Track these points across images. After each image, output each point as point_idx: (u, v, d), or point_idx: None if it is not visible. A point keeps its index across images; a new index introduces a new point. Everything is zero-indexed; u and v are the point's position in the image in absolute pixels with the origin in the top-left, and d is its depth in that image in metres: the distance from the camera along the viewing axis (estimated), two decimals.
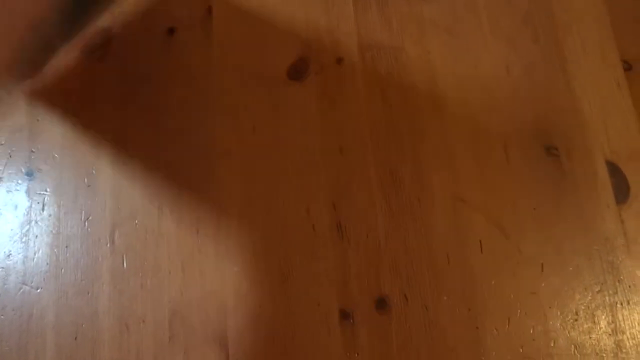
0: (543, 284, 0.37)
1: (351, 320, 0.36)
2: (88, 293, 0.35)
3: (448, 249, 0.38)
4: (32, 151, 0.39)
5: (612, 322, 0.36)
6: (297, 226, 0.38)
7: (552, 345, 0.36)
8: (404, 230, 0.38)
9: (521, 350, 0.36)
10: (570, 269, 0.37)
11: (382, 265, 0.37)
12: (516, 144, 0.40)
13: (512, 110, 0.41)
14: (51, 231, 0.37)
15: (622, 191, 0.39)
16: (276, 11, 0.43)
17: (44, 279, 0.36)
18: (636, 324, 0.36)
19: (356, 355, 0.35)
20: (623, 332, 0.36)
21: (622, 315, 0.36)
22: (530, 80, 0.42)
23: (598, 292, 0.37)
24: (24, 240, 0.37)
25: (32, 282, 0.36)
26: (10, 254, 0.36)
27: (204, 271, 0.36)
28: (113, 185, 0.38)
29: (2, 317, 0.35)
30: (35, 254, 0.36)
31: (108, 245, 0.37)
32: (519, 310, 0.36)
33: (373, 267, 0.37)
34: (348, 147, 0.40)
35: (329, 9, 0.43)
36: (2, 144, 0.38)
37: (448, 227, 0.38)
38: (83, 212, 0.37)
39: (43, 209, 0.37)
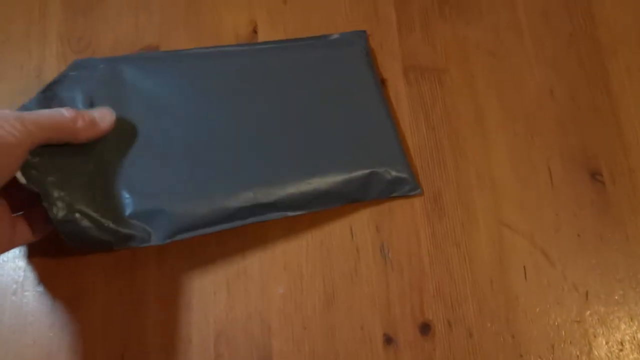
0: (588, 312, 0.37)
1: (395, 345, 0.36)
2: (135, 310, 0.36)
3: (492, 274, 0.38)
4: None
5: None
6: (340, 248, 0.38)
7: None
8: (448, 254, 0.38)
9: None
10: (616, 297, 0.37)
11: (425, 290, 0.37)
12: (560, 168, 0.40)
13: (556, 135, 0.41)
14: None
15: None
16: (320, 33, 0.43)
17: (91, 295, 0.36)
18: None
19: None
20: None
21: None
22: (574, 104, 0.42)
23: None
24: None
25: (78, 299, 0.36)
26: (59, 271, 0.37)
27: (249, 292, 0.37)
28: None
29: (50, 334, 0.35)
30: (83, 269, 0.37)
31: (154, 263, 0.37)
32: (563, 339, 0.36)
33: (416, 291, 0.37)
34: None
35: (372, 31, 0.43)
36: None
37: (492, 252, 0.38)
38: None
39: None
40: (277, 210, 0.36)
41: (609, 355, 0.36)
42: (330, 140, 0.38)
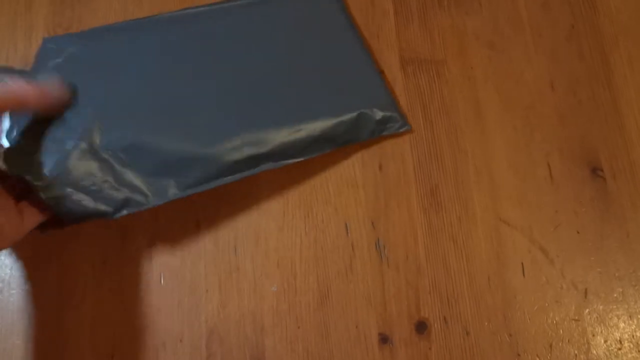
0: (587, 311, 0.36)
1: (390, 343, 0.35)
2: (125, 310, 0.35)
3: (489, 271, 0.37)
4: None
5: None
6: (335, 245, 0.37)
7: None
8: (445, 251, 0.37)
9: None
10: (615, 295, 0.37)
11: (421, 287, 0.37)
12: (560, 163, 0.39)
13: (556, 129, 0.40)
14: (90, 246, 0.36)
15: None
16: None
17: (82, 295, 0.35)
18: None
19: None
20: None
21: None
22: (575, 98, 0.41)
23: None
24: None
25: (67, 298, 0.35)
26: (47, 270, 0.36)
27: (241, 290, 0.36)
28: None
29: (39, 333, 0.35)
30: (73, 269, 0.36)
31: (146, 262, 0.36)
32: (561, 338, 0.36)
33: (412, 289, 0.36)
34: (387, 164, 0.39)
35: (369, 22, 0.42)
36: None
37: (489, 248, 0.37)
38: (120, 227, 0.37)
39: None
40: (273, 160, 0.35)
41: (608, 354, 0.35)
42: (315, 87, 0.38)
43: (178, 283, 0.36)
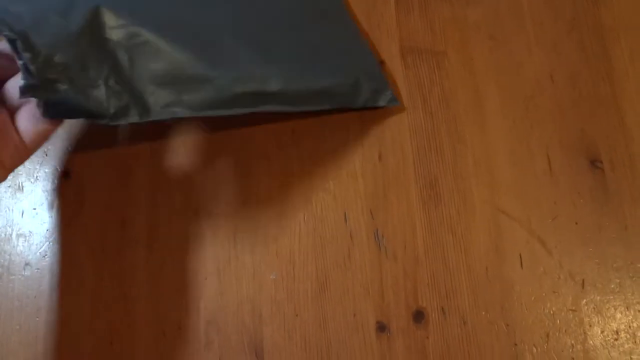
0: (584, 301, 0.36)
1: (387, 332, 0.35)
2: (125, 297, 0.35)
3: (487, 262, 0.37)
4: (68, 150, 0.38)
5: None
6: (334, 234, 0.37)
7: None
8: (443, 241, 0.37)
9: None
10: (612, 286, 0.37)
11: (420, 277, 0.37)
12: (559, 155, 0.39)
13: (555, 121, 0.40)
14: (88, 233, 0.36)
15: None
16: None
17: (80, 282, 0.36)
18: None
19: None
20: None
21: None
22: (575, 90, 0.41)
23: None
24: (60, 241, 0.36)
25: (66, 285, 0.35)
26: (46, 255, 0.36)
27: (240, 278, 0.36)
28: (150, 188, 0.37)
29: (37, 319, 0.35)
30: (71, 255, 0.36)
31: (145, 249, 0.36)
32: (558, 328, 0.36)
33: (410, 278, 0.37)
34: (387, 155, 0.39)
35: (369, 11, 0.42)
36: None
37: (488, 239, 0.37)
38: (120, 214, 0.37)
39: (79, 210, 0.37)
40: (275, 102, 0.34)
41: (604, 344, 0.36)
42: (317, 43, 0.38)
43: (177, 270, 0.36)
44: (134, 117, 0.29)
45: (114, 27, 0.29)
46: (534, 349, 0.35)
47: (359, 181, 0.38)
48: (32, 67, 0.25)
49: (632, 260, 0.37)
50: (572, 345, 0.35)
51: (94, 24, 0.29)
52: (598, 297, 0.36)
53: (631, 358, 0.35)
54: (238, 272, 0.36)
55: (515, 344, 0.35)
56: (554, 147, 0.39)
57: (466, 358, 0.35)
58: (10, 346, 0.34)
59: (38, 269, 0.36)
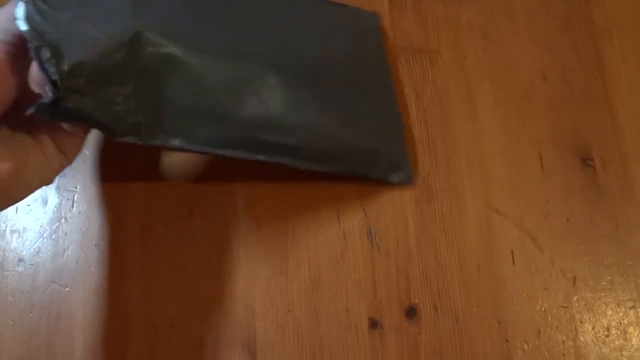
0: (575, 298, 0.37)
1: (380, 329, 0.36)
2: (117, 293, 0.35)
3: (479, 259, 0.37)
4: None
5: None
6: (327, 232, 0.37)
7: None
8: (435, 238, 0.38)
9: None
10: (603, 283, 0.37)
11: (412, 274, 0.37)
12: (551, 153, 0.39)
13: (548, 119, 0.40)
14: (80, 229, 0.37)
15: None
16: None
17: (72, 277, 0.36)
18: None
19: None
20: None
21: None
22: (567, 88, 0.41)
23: (631, 308, 0.36)
24: (53, 237, 0.36)
25: (60, 281, 0.36)
26: (40, 251, 0.36)
27: (233, 275, 0.36)
28: (144, 185, 0.37)
29: (31, 314, 0.35)
30: (64, 251, 0.36)
31: (138, 245, 0.36)
32: (549, 324, 0.36)
33: (403, 275, 0.37)
34: None
35: (363, 8, 0.42)
36: None
37: (479, 236, 0.38)
38: (112, 212, 0.37)
39: (73, 206, 0.37)
40: (292, 156, 0.33)
41: (595, 340, 0.36)
42: (348, 105, 0.36)
43: (170, 265, 0.36)
44: (142, 139, 0.29)
45: (150, 48, 0.28)
46: (526, 345, 0.36)
47: (352, 179, 0.38)
48: (58, 77, 0.24)
49: (623, 258, 0.37)
50: (564, 341, 0.36)
51: (131, 43, 0.28)
52: (589, 294, 0.37)
53: (622, 354, 0.35)
54: (231, 269, 0.36)
55: (507, 341, 0.36)
56: (546, 145, 0.40)
57: (458, 354, 0.35)
58: (3, 342, 0.34)
59: (32, 264, 0.36)
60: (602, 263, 0.37)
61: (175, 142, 0.29)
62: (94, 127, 0.27)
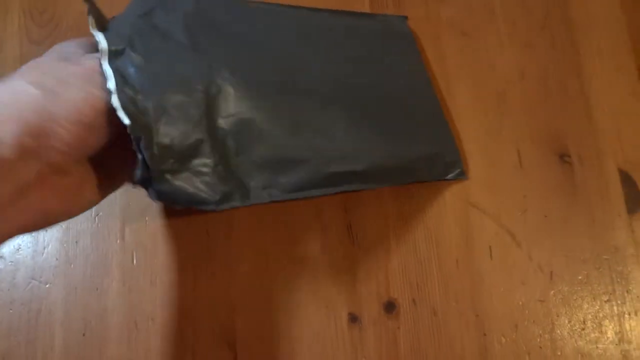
0: (552, 292, 0.37)
1: (359, 323, 0.36)
2: (97, 289, 0.35)
3: (458, 254, 0.38)
4: None
5: (620, 332, 0.36)
6: (307, 228, 0.38)
7: (559, 354, 0.36)
8: (414, 233, 0.38)
9: (528, 358, 0.36)
10: (580, 277, 0.38)
11: (391, 269, 0.37)
12: (530, 150, 0.40)
13: (526, 116, 0.41)
14: (61, 226, 0.37)
15: (633, 201, 0.39)
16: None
17: (52, 274, 0.36)
18: None
19: (363, 358, 0.35)
20: (630, 343, 0.36)
21: (630, 325, 0.36)
22: (544, 86, 0.42)
23: (606, 301, 0.37)
24: (33, 234, 0.36)
25: (41, 277, 0.36)
26: (20, 248, 0.36)
27: (213, 270, 0.36)
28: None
29: (10, 311, 0.35)
30: (44, 248, 0.36)
31: (118, 241, 0.36)
32: (526, 318, 0.37)
33: (382, 270, 0.37)
34: None
35: (343, 7, 0.42)
36: None
37: (458, 232, 0.38)
38: (93, 207, 0.37)
39: None
40: (360, 180, 0.34)
41: (571, 333, 0.36)
42: (401, 117, 0.38)
43: (151, 263, 0.36)
44: (237, 202, 0.29)
45: (226, 117, 0.29)
46: (503, 339, 0.36)
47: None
48: (150, 162, 0.25)
49: (599, 253, 0.38)
50: (540, 335, 0.36)
51: (209, 112, 0.29)
52: (566, 288, 0.37)
53: (597, 347, 0.36)
54: (212, 265, 0.37)
55: (485, 334, 0.36)
56: (524, 142, 0.40)
57: (436, 348, 0.36)
58: None
59: (12, 261, 0.36)
60: (579, 258, 0.38)
61: (263, 197, 0.30)
62: (190, 204, 0.28)
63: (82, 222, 0.37)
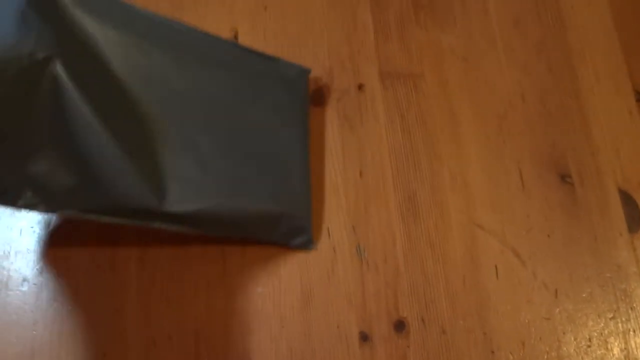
0: (557, 310, 0.38)
1: (370, 342, 0.37)
2: (116, 311, 0.37)
3: (464, 273, 0.39)
4: None
5: (625, 349, 0.37)
6: (318, 249, 0.39)
7: None
8: (422, 254, 0.39)
9: None
10: (584, 295, 0.38)
11: (400, 288, 0.38)
12: (531, 171, 0.41)
13: (527, 138, 0.42)
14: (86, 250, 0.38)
15: (634, 219, 0.40)
16: (299, 38, 0.44)
17: (74, 296, 0.37)
18: None
19: None
20: (635, 359, 0.37)
21: (635, 342, 0.37)
22: (544, 108, 0.43)
23: (611, 319, 0.38)
24: (58, 256, 0.38)
25: (63, 299, 0.37)
26: (43, 271, 0.38)
27: (228, 291, 0.38)
28: None
29: (34, 332, 0.36)
30: (67, 271, 0.38)
31: (135, 262, 0.38)
32: (533, 336, 0.37)
33: (391, 289, 0.38)
34: (367, 171, 0.41)
35: (350, 36, 0.45)
36: None
37: (464, 251, 0.39)
38: (112, 232, 0.38)
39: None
40: (191, 224, 0.34)
41: (577, 351, 0.37)
42: (255, 169, 0.37)
43: (167, 284, 0.38)
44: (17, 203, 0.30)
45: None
46: (511, 356, 0.37)
47: (341, 197, 0.40)
48: None
49: (602, 271, 0.39)
50: (547, 352, 0.37)
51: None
52: (570, 306, 0.38)
53: None
54: (226, 285, 0.38)
55: (493, 352, 0.37)
56: (525, 163, 0.42)
57: None
58: (6, 359, 0.36)
59: (35, 284, 0.37)
60: (582, 276, 0.39)
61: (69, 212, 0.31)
62: None
63: (101, 245, 0.38)
